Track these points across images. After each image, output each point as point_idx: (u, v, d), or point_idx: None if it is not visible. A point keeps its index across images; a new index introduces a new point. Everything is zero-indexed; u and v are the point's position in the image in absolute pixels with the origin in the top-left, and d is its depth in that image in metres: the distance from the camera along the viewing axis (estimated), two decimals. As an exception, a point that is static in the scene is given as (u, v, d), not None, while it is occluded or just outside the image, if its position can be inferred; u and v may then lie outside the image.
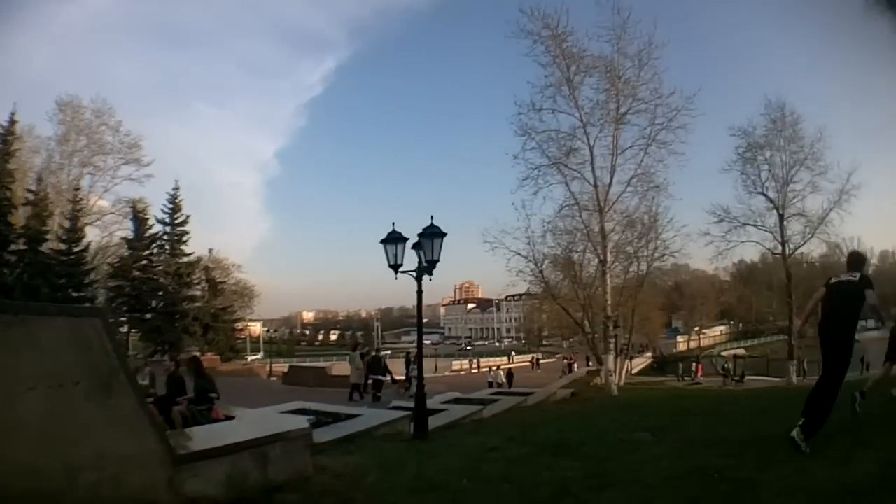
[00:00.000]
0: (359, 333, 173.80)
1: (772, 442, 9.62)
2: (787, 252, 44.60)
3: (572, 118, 33.45)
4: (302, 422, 9.91)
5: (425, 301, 16.41)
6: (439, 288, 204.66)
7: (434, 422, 16.10)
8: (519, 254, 34.55)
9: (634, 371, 67.48)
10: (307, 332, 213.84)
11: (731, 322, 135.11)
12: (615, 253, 35.98)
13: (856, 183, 42.66)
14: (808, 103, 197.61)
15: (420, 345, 17.65)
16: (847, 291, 9.25)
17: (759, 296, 59.75)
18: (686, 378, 58.62)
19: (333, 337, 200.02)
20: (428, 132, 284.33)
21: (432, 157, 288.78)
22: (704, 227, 44.82)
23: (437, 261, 15.10)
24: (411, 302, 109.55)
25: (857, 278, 9.31)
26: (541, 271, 35.82)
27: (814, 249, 46.80)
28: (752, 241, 46.38)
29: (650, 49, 32.64)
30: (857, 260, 10.08)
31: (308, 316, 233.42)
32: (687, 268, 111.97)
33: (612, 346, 34.31)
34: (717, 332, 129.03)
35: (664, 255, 39.74)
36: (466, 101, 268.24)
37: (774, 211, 44.34)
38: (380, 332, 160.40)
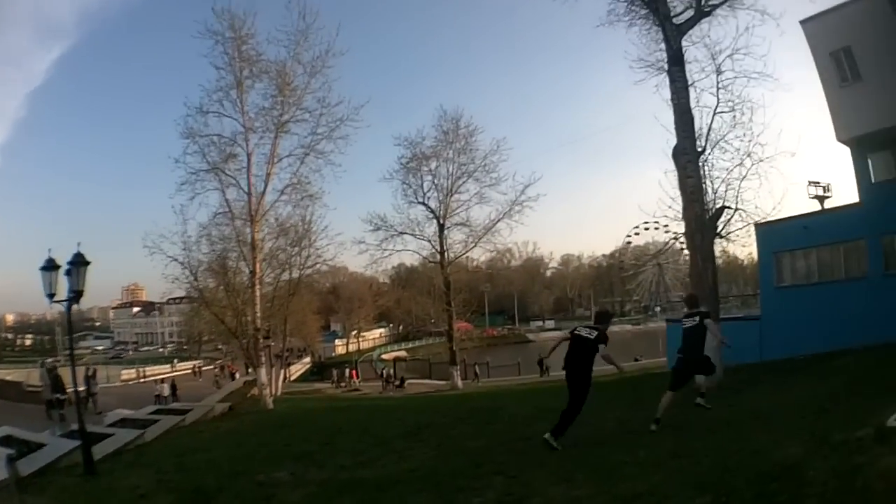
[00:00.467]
0: (45, 338, 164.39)
1: (413, 484, 9.71)
2: (446, 260, 46.25)
3: (236, 123, 32.81)
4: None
5: (96, 303, 15.64)
6: (110, 290, 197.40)
7: (102, 449, 16.19)
8: (175, 259, 33.54)
9: (293, 377, 67.37)
10: (9, 337, 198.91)
11: (391, 325, 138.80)
12: (268, 260, 35.97)
13: (532, 195, 45.52)
14: (495, 118, 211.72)
15: (75, 380, 17.05)
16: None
17: (418, 299, 61.78)
18: (342, 384, 58.61)
19: (28, 342, 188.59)
20: (130, 129, 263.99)
21: (126, 157, 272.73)
22: (360, 234, 46.06)
23: (82, 291, 14.18)
24: (87, 304, 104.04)
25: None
26: (195, 278, 34.96)
27: (480, 256, 48.89)
28: (409, 250, 48.01)
29: (326, 57, 32.95)
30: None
31: (10, 318, 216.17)
32: (345, 270, 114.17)
33: (263, 359, 34.11)
34: (377, 334, 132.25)
35: (316, 263, 40.42)
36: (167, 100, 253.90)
37: (435, 220, 46.11)
38: (62, 338, 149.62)
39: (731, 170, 22.94)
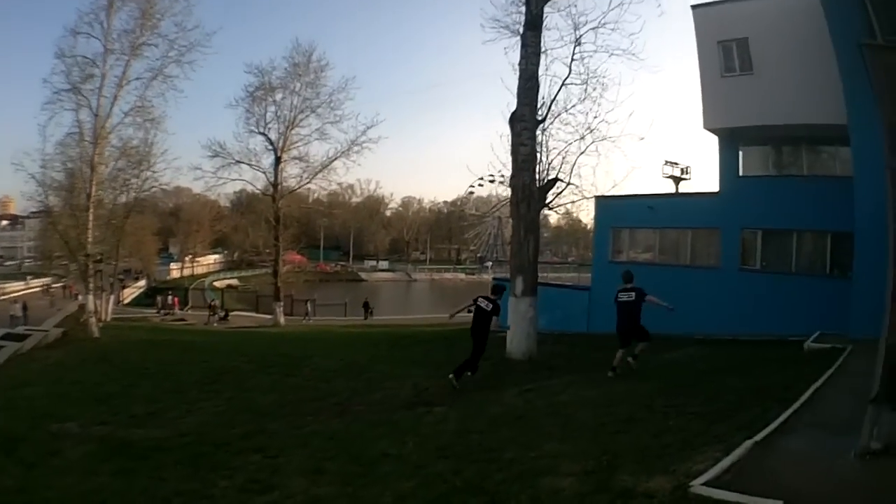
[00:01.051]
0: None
1: (176, 454, 9.40)
2: (278, 194, 45.65)
3: (99, 43, 31.46)
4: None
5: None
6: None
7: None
8: (33, 177, 33.12)
9: (127, 301, 64.98)
10: None
11: (226, 251, 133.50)
12: (108, 181, 35.07)
13: (373, 136, 45.58)
14: (349, 57, 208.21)
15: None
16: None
17: (256, 227, 60.93)
18: (165, 312, 55.07)
19: None
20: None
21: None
22: (199, 160, 45.57)
23: None
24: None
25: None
26: (47, 196, 34.64)
27: (320, 190, 49.24)
28: (243, 180, 47.88)
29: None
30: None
31: None
32: (189, 191, 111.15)
33: (91, 285, 32.86)
34: (212, 260, 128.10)
35: (153, 186, 40.56)
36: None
37: (272, 152, 45.45)
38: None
39: (571, 143, 22.43)
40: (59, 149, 33.75)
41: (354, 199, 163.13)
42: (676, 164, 34.68)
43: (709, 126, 26.92)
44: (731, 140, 27.20)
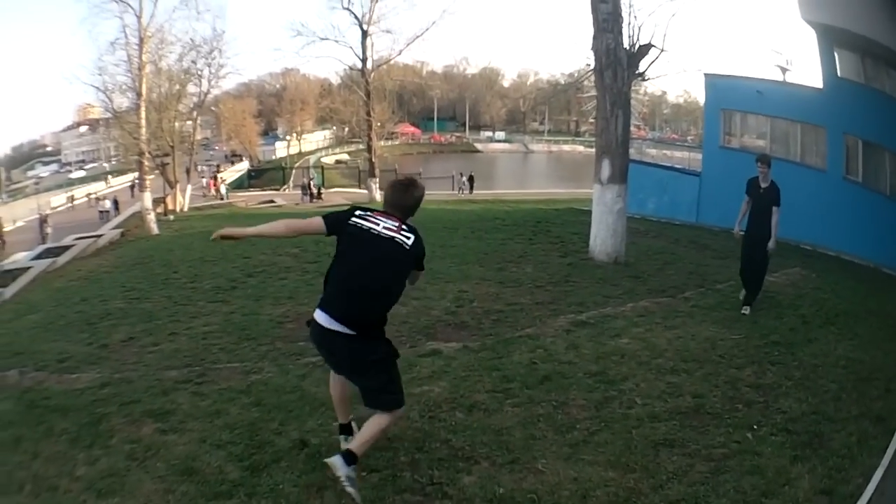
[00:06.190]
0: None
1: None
2: (368, 69, 43.71)
3: None
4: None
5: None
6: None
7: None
8: (93, 86, 35.08)
9: (227, 182, 60.87)
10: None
11: (335, 127, 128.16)
12: (176, 75, 37.14)
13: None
14: None
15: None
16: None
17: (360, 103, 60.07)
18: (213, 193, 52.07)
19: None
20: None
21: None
22: (279, 42, 44.92)
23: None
24: (39, 131, 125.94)
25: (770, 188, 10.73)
26: (110, 99, 35.99)
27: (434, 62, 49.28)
28: (329, 57, 46.17)
29: None
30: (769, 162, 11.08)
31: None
32: (297, 72, 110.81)
33: (147, 184, 32.94)
34: (321, 136, 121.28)
35: (227, 73, 41.84)
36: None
37: (358, 27, 43.15)
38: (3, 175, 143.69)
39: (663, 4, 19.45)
40: (109, 51, 34.01)
41: (470, 71, 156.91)
42: (782, 53, 31.32)
43: (804, 17, 23.52)
44: (826, 37, 23.27)
